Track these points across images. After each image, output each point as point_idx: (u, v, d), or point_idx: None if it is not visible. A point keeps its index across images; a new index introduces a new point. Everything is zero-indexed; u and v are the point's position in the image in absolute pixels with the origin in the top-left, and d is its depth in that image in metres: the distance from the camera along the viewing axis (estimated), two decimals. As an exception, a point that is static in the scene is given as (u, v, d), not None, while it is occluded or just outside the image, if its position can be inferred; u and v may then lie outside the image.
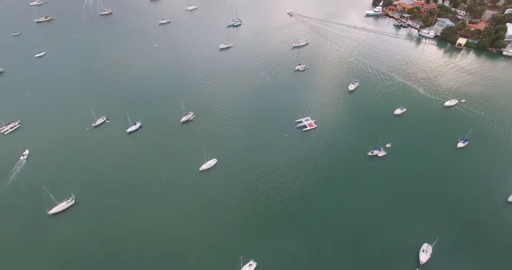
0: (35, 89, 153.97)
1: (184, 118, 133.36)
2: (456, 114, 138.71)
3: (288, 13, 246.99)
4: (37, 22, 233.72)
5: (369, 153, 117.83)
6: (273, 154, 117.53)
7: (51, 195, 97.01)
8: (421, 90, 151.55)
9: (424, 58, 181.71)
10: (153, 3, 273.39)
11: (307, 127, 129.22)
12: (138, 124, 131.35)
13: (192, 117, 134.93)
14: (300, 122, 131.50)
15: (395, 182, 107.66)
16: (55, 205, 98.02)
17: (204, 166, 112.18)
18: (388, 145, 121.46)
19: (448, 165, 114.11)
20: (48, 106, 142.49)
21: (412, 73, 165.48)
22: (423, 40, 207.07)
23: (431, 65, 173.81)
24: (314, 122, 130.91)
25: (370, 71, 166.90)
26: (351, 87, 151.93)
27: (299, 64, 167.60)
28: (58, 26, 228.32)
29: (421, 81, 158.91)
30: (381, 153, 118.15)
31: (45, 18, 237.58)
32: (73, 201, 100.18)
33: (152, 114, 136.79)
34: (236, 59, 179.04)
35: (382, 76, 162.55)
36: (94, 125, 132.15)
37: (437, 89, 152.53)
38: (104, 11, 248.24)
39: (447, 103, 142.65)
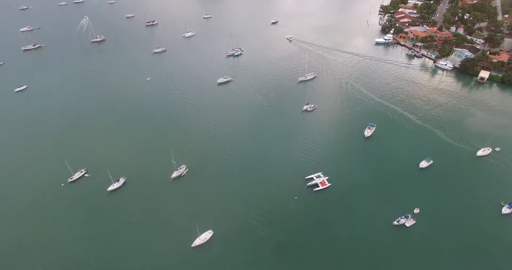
0: (5, 131, 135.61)
1: (175, 174, 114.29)
2: (492, 166, 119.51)
3: (287, 39, 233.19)
4: (24, 50, 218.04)
5: (395, 222, 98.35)
6: (280, 223, 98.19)
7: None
8: (447, 137, 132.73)
9: (446, 95, 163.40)
10: (148, 28, 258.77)
11: (319, 187, 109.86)
12: (121, 181, 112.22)
13: (184, 172, 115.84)
14: (311, 179, 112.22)
15: (429, 261, 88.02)
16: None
17: (197, 241, 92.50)
18: (416, 211, 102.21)
19: (492, 237, 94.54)
20: (18, 154, 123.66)
21: (435, 115, 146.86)
22: (440, 71, 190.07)
23: (454, 104, 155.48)
24: (327, 180, 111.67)
25: (387, 112, 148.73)
26: (367, 132, 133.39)
27: (307, 104, 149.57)
28: (46, 54, 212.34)
29: (446, 125, 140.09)
30: (409, 222, 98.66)
31: (33, 45, 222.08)
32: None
33: (138, 168, 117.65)
34: (236, 96, 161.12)
35: (401, 118, 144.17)
36: (71, 180, 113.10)
37: (465, 135, 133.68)
38: (96, 38, 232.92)
39: (480, 153, 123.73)
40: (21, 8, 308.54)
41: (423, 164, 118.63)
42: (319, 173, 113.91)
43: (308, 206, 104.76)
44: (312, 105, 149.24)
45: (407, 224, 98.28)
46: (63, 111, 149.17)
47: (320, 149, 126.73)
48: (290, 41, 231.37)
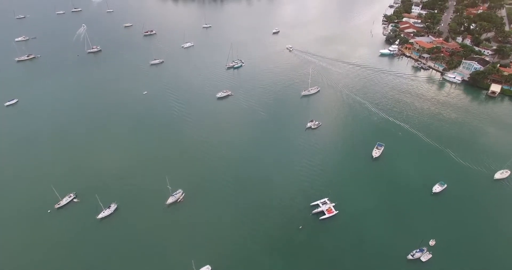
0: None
1: (170, 200, 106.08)
2: None
3: (287, 48, 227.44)
4: (18, 61, 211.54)
5: (409, 256, 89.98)
6: (285, 256, 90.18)
7: None
8: (460, 157, 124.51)
9: (456, 110, 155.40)
10: (146, 38, 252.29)
11: (325, 214, 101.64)
12: (112, 207, 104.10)
13: (180, 198, 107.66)
14: (317, 206, 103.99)
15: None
16: None
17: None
18: (431, 243, 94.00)
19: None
20: (0, 176, 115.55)
21: (445, 133, 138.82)
22: (448, 85, 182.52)
23: (466, 121, 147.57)
24: (333, 207, 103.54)
25: (394, 129, 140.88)
26: (376, 153, 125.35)
27: (311, 121, 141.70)
28: (40, 66, 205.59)
29: (458, 144, 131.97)
30: (424, 256, 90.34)
31: (27, 56, 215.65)
32: None
33: (131, 193, 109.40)
34: (236, 112, 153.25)
35: (409, 136, 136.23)
36: (58, 206, 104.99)
37: (480, 155, 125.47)
38: (92, 48, 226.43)
39: (498, 176, 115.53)
40: (17, 17, 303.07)
41: (437, 188, 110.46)
42: (325, 199, 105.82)
43: (314, 236, 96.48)
44: (317, 123, 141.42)
45: (423, 259, 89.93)
46: (53, 128, 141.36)
47: (325, 171, 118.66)
48: (290, 51, 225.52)
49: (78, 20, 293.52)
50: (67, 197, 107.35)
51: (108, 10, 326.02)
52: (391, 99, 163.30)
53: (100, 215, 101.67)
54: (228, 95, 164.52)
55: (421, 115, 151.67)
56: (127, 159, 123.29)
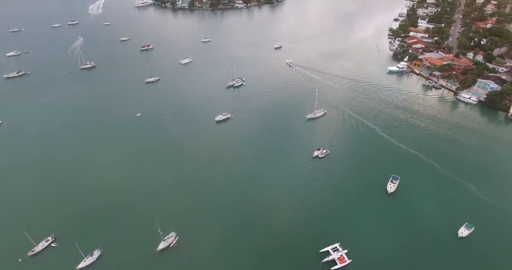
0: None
1: (162, 245, 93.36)
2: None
3: (287, 63, 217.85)
4: (7, 78, 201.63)
5: (438, 320, 76.75)
6: None
7: None
8: (485, 194, 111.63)
9: (475, 136, 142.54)
10: (143, 53, 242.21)
11: (337, 264, 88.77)
12: (96, 254, 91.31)
13: (173, 242, 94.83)
14: (327, 253, 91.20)
15: None
16: None
17: None
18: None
19: None
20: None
21: (466, 163, 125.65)
22: (462, 105, 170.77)
23: (487, 149, 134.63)
24: (346, 254, 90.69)
25: (409, 159, 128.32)
26: (391, 187, 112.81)
27: (318, 149, 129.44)
28: (29, 83, 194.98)
29: (482, 176, 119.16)
30: (455, 321, 77.10)
31: (17, 73, 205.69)
32: None
33: (118, 237, 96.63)
34: (235, 138, 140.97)
35: (426, 168, 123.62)
36: (32, 253, 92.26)
37: (509, 192, 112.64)
38: (86, 64, 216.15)
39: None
40: (12, 30, 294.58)
41: (463, 232, 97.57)
42: (336, 245, 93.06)
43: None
44: (324, 151, 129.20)
45: None
46: (35, 157, 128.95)
47: (336, 209, 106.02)
48: (290, 66, 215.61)
49: (74, 33, 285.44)
50: (43, 241, 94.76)
51: (105, 23, 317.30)
52: (404, 123, 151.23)
53: (81, 265, 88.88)
54: (228, 118, 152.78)
55: (436, 141, 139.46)
56: (115, 195, 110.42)
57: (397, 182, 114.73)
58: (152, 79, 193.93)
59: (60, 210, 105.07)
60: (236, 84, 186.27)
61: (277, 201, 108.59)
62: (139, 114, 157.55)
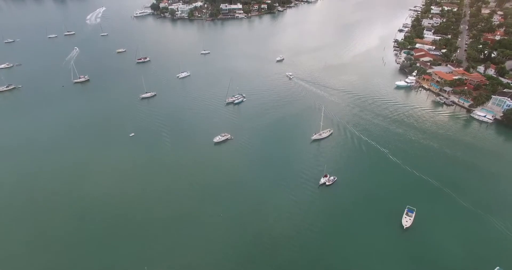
0: None
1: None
2: None
3: (287, 76, 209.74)
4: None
5: None
6: None
7: None
8: (510, 230, 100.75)
9: (494, 161, 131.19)
10: (139, 66, 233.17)
11: (351, 318, 77.52)
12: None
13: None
14: (339, 306, 79.93)
15: None
16: None
17: None
18: None
19: None
20: None
21: (488, 195, 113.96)
22: (477, 124, 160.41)
23: (509, 176, 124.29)
24: (361, 306, 79.44)
25: (424, 188, 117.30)
26: (406, 221, 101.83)
27: (325, 176, 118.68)
28: (18, 99, 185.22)
29: (505, 210, 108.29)
30: None
31: (6, 87, 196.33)
32: None
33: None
34: (236, 161, 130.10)
35: (443, 198, 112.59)
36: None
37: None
38: (80, 78, 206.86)
39: None
40: (6, 41, 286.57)
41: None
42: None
43: None
44: (331, 178, 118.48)
45: None
46: (18, 178, 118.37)
47: (347, 247, 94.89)
48: (290, 78, 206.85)
49: (70, 44, 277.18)
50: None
51: (102, 34, 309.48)
52: (416, 146, 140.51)
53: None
54: (227, 139, 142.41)
55: (452, 166, 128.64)
56: (100, 244, 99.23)
57: (413, 215, 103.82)
58: (148, 94, 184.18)
59: (35, 254, 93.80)
60: (236, 101, 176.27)
61: (281, 235, 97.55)
62: (132, 134, 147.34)
